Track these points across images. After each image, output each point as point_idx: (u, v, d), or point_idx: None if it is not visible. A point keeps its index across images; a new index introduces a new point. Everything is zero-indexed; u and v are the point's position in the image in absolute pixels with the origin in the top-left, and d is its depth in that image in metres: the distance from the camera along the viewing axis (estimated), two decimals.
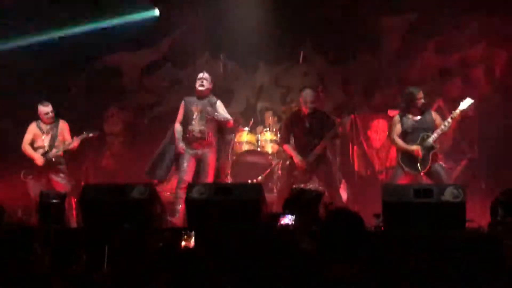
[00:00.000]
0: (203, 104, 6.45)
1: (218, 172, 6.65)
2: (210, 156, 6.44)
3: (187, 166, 6.38)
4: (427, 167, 6.04)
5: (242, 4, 8.63)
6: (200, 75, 6.55)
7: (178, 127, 6.55)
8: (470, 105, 6.02)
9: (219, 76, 8.41)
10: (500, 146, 7.63)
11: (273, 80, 9.22)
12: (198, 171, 6.45)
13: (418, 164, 6.05)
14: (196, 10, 8.76)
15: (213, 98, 6.55)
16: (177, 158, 6.51)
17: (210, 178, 6.40)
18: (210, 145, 6.44)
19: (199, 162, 6.45)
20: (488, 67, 8.12)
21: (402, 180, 6.14)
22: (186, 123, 6.48)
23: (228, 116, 6.53)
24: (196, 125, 6.38)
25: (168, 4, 8.78)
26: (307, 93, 6.84)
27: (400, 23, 8.56)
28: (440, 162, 6.18)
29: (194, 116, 6.42)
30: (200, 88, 6.47)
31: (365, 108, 8.66)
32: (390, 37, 8.64)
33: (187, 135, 6.42)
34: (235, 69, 9.17)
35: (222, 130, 6.67)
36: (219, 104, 6.54)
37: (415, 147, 6.07)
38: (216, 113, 6.41)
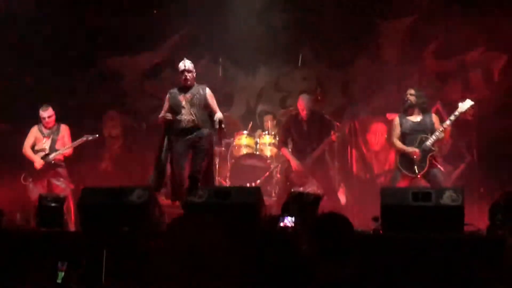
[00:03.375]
0: (192, 93, 6.13)
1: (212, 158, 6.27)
2: (204, 140, 6.05)
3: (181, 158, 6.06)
4: (425, 170, 6.03)
5: (242, 8, 8.65)
6: (182, 66, 6.11)
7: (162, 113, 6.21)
8: (470, 106, 5.98)
9: (219, 80, 8.43)
10: (499, 150, 7.64)
11: (273, 84, 9.24)
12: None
13: (416, 167, 6.05)
14: (196, 14, 8.78)
15: (200, 87, 6.19)
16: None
17: (204, 162, 6.02)
18: (203, 131, 6.06)
19: (193, 148, 6.06)
20: (487, 70, 8.13)
21: (400, 183, 6.13)
22: (175, 114, 6.11)
23: (218, 111, 6.14)
24: (186, 115, 6.06)
25: (169, 8, 8.80)
26: (304, 98, 6.85)
27: (398, 27, 8.58)
28: (438, 166, 6.16)
29: (183, 105, 6.08)
30: (186, 83, 6.13)
31: (364, 111, 8.67)
32: (388, 41, 8.66)
33: (177, 126, 6.07)
34: (235, 73, 9.19)
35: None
36: (209, 93, 6.17)
37: (412, 149, 6.07)
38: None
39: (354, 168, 7.97)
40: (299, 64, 8.85)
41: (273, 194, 7.39)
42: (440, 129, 6.03)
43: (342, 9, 8.62)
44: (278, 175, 7.57)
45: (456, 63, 8.28)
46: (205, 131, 6.05)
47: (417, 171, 6.04)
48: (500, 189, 5.44)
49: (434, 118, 6.24)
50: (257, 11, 8.68)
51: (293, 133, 6.97)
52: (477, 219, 4.81)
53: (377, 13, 8.55)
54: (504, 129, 7.68)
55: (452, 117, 6.00)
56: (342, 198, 7.37)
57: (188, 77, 6.10)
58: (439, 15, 8.14)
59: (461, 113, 5.99)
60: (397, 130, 6.26)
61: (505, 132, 7.66)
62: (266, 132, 8.03)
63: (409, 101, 6.23)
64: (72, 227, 5.98)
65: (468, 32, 7.98)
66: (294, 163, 6.83)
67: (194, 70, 6.19)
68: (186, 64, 6.13)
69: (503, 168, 7.40)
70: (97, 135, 7.16)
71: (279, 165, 7.59)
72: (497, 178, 7.22)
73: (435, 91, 8.15)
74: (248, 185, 7.31)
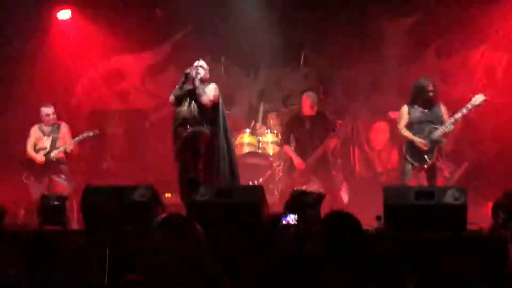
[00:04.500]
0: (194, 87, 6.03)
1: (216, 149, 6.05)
2: (200, 133, 5.94)
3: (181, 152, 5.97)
4: (431, 162, 6.05)
5: (244, 7, 8.65)
6: (196, 62, 6.16)
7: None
8: (483, 101, 5.97)
9: (221, 79, 8.43)
10: (502, 149, 7.63)
11: (275, 83, 9.23)
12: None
13: (425, 156, 6.05)
14: (198, 13, 8.78)
15: (207, 84, 6.10)
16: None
17: (198, 161, 5.91)
18: (198, 125, 5.95)
19: (188, 147, 5.96)
20: (489, 69, 8.12)
21: (412, 174, 6.15)
22: (178, 105, 6.08)
23: (209, 95, 5.97)
24: (184, 106, 5.97)
25: (171, 6, 8.80)
26: (310, 96, 6.84)
27: (401, 26, 8.57)
28: (440, 160, 6.23)
29: (185, 99, 6.02)
30: (195, 77, 6.03)
31: (366, 110, 8.67)
32: (391, 40, 8.66)
33: (176, 117, 6.03)
34: (237, 72, 9.19)
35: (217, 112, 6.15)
36: (211, 87, 6.07)
37: (420, 141, 6.05)
38: (198, 84, 5.95)
39: (357, 167, 7.98)
40: (301, 63, 8.85)
41: (276, 193, 7.39)
42: (451, 120, 6.01)
43: (344, 9, 8.61)
44: (281, 174, 7.57)
45: (459, 62, 8.28)
46: (197, 128, 5.93)
47: (425, 162, 6.06)
48: (502, 188, 5.43)
49: (443, 109, 6.21)
50: (259, 10, 8.67)
51: (295, 131, 6.97)
52: (479, 218, 4.81)
53: (379, 12, 8.54)
54: (507, 128, 7.67)
55: (464, 110, 5.98)
56: (345, 196, 7.37)
57: (199, 72, 6.03)
58: (441, 14, 8.13)
59: (474, 107, 5.96)
60: (405, 118, 6.24)
61: (508, 131, 7.65)
62: (269, 130, 8.02)
63: (428, 97, 6.19)
64: (75, 226, 5.98)
65: (471, 31, 7.98)
66: (297, 160, 6.82)
67: (205, 69, 6.12)
68: (200, 61, 6.15)
69: (506, 167, 7.39)
70: (98, 131, 7.17)
71: (282, 163, 7.60)
72: (500, 177, 7.21)
73: (437, 90, 8.13)
74: (250, 183, 7.31)
